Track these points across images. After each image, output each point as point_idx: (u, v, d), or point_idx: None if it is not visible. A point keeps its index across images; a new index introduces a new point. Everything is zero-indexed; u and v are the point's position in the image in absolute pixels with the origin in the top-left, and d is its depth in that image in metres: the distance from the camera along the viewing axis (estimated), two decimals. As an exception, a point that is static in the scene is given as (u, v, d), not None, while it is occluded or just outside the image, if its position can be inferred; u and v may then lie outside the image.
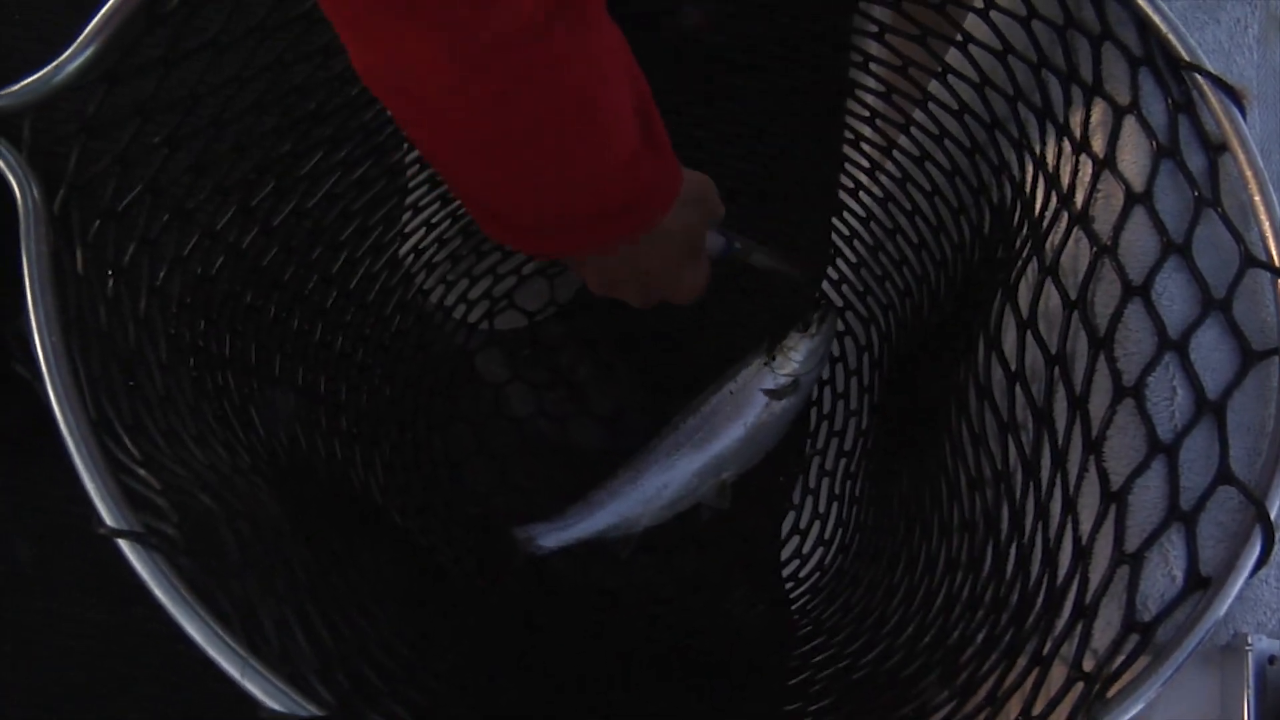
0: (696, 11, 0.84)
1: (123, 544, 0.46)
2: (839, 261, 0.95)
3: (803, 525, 0.91)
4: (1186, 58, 0.55)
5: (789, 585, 0.88)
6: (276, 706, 0.44)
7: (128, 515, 0.47)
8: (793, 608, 0.84)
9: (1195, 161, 0.54)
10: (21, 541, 1.18)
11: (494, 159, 0.56)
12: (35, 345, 0.50)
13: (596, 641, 0.83)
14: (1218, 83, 0.54)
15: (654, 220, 0.63)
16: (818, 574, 0.86)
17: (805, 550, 0.90)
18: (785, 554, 0.92)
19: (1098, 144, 0.58)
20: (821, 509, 0.91)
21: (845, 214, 0.92)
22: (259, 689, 0.44)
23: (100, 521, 0.47)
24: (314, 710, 0.44)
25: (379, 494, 0.81)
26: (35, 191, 0.53)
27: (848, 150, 0.88)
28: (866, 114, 0.83)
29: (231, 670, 0.44)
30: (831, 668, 0.69)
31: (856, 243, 0.92)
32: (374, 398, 0.86)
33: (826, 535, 0.88)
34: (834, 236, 0.94)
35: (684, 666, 0.79)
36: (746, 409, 0.85)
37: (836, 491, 0.90)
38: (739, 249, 0.81)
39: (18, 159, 0.53)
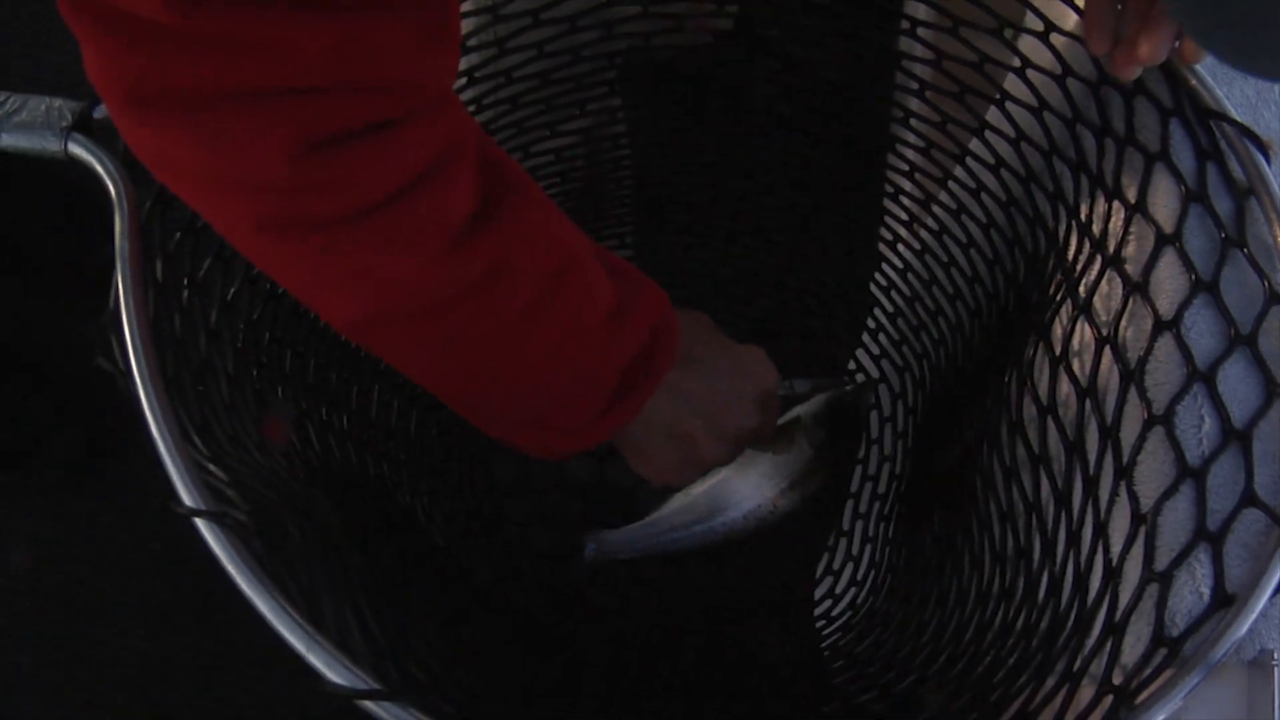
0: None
1: (200, 524, 0.49)
2: (876, 311, 0.98)
3: (836, 566, 0.93)
4: (1214, 108, 0.58)
5: (821, 624, 0.89)
6: (340, 681, 0.46)
7: (206, 498, 0.50)
8: (824, 644, 0.86)
9: (1223, 205, 0.57)
10: (67, 568, 1.20)
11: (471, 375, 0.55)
12: (124, 335, 0.53)
13: (630, 667, 0.85)
14: (1244, 131, 0.57)
15: (672, 348, 0.60)
16: (850, 613, 0.88)
17: (838, 590, 0.91)
18: (819, 593, 0.93)
19: (1130, 190, 0.61)
20: (855, 550, 0.92)
21: (884, 265, 0.95)
22: (323, 664, 0.46)
23: (179, 502, 0.49)
24: (376, 685, 0.46)
25: (423, 517, 0.83)
26: (128, 196, 0.57)
27: (887, 204, 0.92)
28: (906, 168, 0.87)
29: (299, 645, 0.46)
30: (863, 696, 0.70)
31: (894, 293, 0.95)
32: (423, 427, 0.88)
33: (859, 576, 0.90)
34: (871, 287, 0.97)
35: (715, 694, 0.81)
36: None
37: (870, 534, 0.91)
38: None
39: (115, 165, 0.57)
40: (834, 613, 0.90)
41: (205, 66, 0.41)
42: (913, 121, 0.83)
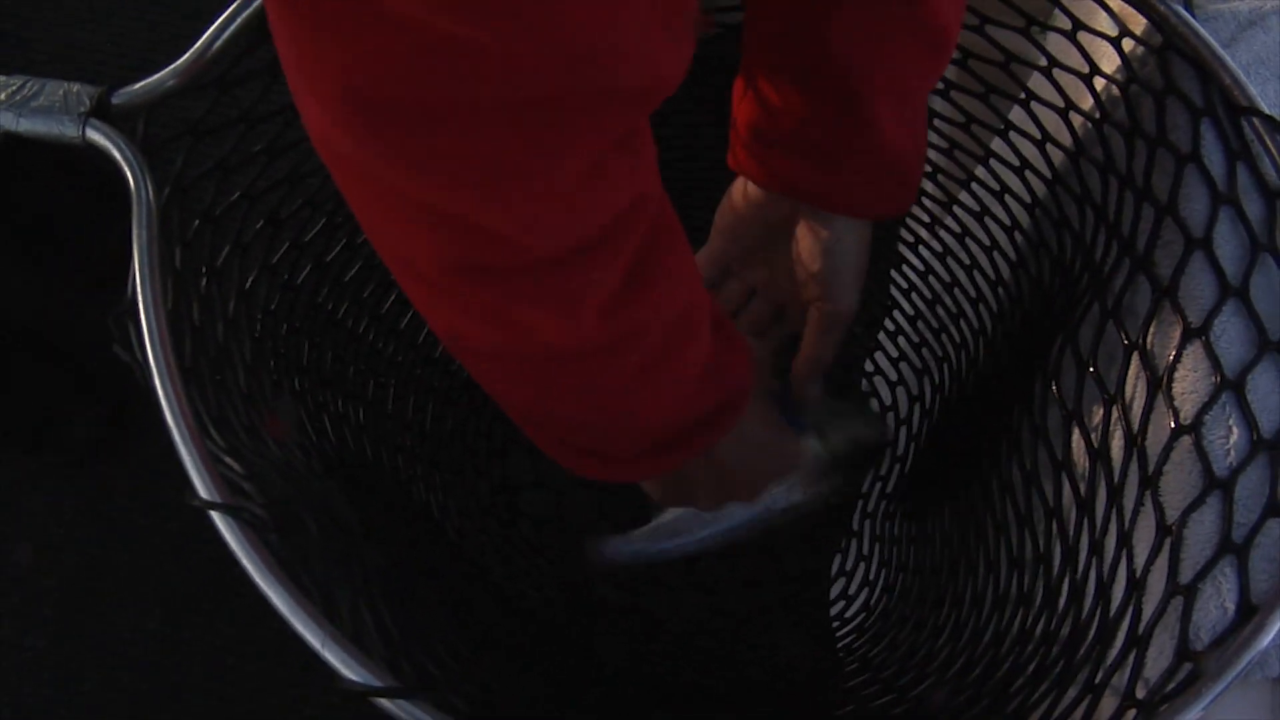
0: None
1: (215, 516, 0.48)
2: (896, 314, 0.97)
3: (848, 567, 0.92)
4: (1246, 104, 0.56)
5: (835, 625, 0.89)
6: (354, 678, 0.45)
7: (222, 490, 0.49)
8: (839, 646, 0.85)
9: (1253, 208, 0.56)
10: (83, 549, 1.21)
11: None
12: (142, 326, 0.53)
13: (644, 667, 0.84)
14: (1275, 126, 0.55)
15: (732, 421, 0.57)
16: (864, 614, 0.87)
17: (851, 591, 0.91)
18: (832, 594, 0.93)
19: (1159, 192, 0.60)
20: (865, 550, 0.92)
21: (904, 267, 0.94)
22: (338, 661, 0.46)
23: (194, 494, 0.49)
24: (391, 683, 0.45)
25: (438, 512, 0.83)
26: (148, 183, 0.56)
27: (909, 204, 0.91)
28: (929, 169, 0.86)
29: (314, 642, 0.46)
30: (878, 701, 0.70)
31: (914, 295, 0.94)
32: (439, 422, 0.88)
33: (871, 576, 0.89)
34: (892, 289, 0.96)
35: (729, 697, 0.80)
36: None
37: (878, 533, 0.91)
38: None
39: (133, 151, 0.57)
40: (848, 614, 0.89)
41: (451, 74, 0.34)
42: (936, 121, 0.82)
